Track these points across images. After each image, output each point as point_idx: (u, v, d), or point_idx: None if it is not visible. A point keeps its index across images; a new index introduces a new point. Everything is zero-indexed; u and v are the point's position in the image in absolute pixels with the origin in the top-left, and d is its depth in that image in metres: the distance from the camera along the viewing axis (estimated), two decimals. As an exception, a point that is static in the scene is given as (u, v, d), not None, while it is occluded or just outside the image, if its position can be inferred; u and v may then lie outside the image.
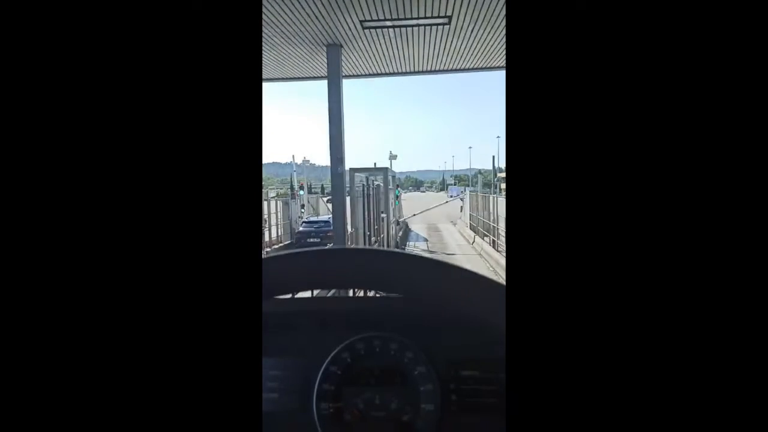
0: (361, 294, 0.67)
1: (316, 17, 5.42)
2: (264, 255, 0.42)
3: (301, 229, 15.34)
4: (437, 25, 5.80)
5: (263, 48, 6.15)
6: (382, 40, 6.46)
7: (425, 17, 5.51)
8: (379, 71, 8.25)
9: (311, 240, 14.23)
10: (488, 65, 8.04)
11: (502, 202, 12.12)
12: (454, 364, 0.60)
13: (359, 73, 8.32)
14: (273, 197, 16.90)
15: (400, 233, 16.28)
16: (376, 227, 10.22)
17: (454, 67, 8.18)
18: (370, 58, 7.37)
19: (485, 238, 14.27)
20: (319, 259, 0.50)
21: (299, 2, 4.97)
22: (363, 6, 5.18)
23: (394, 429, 0.58)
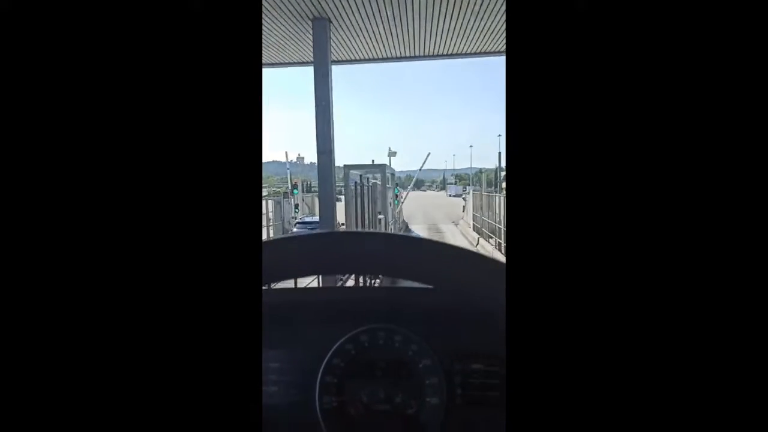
0: (368, 282, 0.52)
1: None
2: None
3: (294, 230, 14.48)
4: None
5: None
6: (375, 16, 5.56)
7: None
8: (372, 55, 7.33)
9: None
10: (490, 49, 7.19)
11: (508, 202, 11.22)
12: (460, 358, 0.59)
13: (351, 58, 7.42)
14: (264, 196, 15.96)
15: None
16: (372, 230, 9.25)
17: (456, 51, 7.30)
18: (363, 37, 6.45)
19: (489, 240, 13.52)
20: (324, 242, 0.49)
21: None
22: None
23: (398, 423, 0.57)
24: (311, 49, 5.96)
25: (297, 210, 16.17)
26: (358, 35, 6.35)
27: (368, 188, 8.62)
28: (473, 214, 16.93)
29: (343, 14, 5.53)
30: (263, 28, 5.77)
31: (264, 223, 13.92)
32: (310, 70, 6.05)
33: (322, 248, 0.47)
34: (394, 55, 7.36)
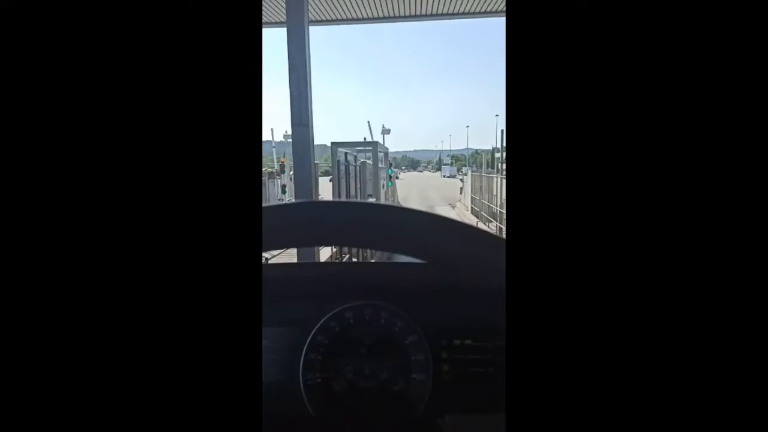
0: (355, 259, 0.64)
1: None
2: None
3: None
4: None
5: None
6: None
7: None
8: (356, 14, 6.32)
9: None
10: (489, 9, 6.21)
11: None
12: (447, 333, 0.58)
13: (331, 18, 6.41)
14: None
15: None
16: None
17: (450, 11, 6.31)
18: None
19: (489, 224, 12.66)
20: (313, 211, 0.49)
21: None
22: None
23: (384, 399, 0.57)
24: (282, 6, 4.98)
25: (285, 191, 15.21)
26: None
27: (357, 168, 7.64)
28: (471, 197, 16.03)
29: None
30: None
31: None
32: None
33: (303, 218, 0.47)
34: (381, 14, 6.36)
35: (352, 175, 7.20)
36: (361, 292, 0.60)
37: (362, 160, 8.15)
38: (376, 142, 9.63)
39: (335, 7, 6.03)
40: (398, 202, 18.66)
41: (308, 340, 0.58)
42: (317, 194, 6.10)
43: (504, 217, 10.73)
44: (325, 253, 6.56)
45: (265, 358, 0.57)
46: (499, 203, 11.81)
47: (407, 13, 6.39)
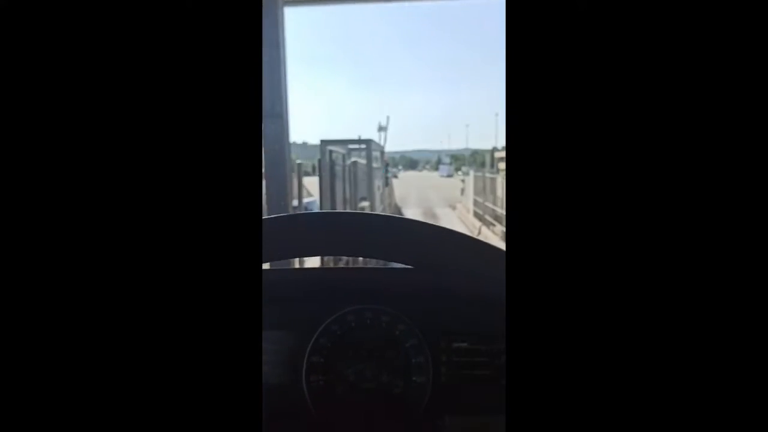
0: (361, 264, 0.67)
1: None
2: None
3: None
4: None
5: None
6: None
7: None
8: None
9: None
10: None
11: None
12: (447, 336, 0.59)
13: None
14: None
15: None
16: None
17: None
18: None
19: (492, 228, 11.80)
20: (314, 223, 0.50)
21: None
22: None
23: (385, 401, 0.58)
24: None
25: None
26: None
27: (347, 168, 6.65)
28: (474, 198, 15.09)
29: None
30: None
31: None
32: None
33: (293, 231, 0.47)
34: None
35: (340, 176, 6.20)
36: (360, 296, 0.60)
37: (354, 159, 7.17)
38: (370, 140, 8.63)
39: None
40: (395, 204, 17.80)
41: (311, 343, 0.58)
42: (301, 198, 5.31)
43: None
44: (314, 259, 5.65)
45: (266, 361, 0.57)
46: (501, 205, 10.96)
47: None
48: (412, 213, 18.08)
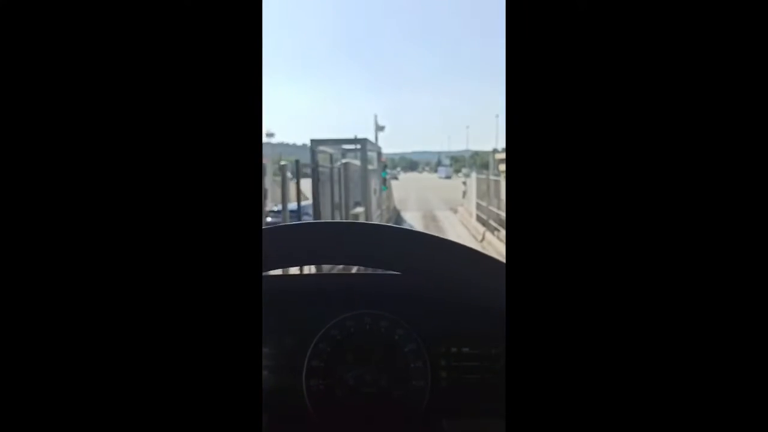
0: (354, 270, 0.68)
1: None
2: None
3: (268, 219, 11.94)
4: None
5: None
6: None
7: None
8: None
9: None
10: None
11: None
12: (446, 341, 0.60)
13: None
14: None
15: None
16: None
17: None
18: None
19: (497, 233, 11.09)
20: (313, 232, 0.50)
21: None
22: None
23: (384, 405, 0.58)
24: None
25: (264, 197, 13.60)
26: None
27: (338, 171, 5.94)
28: (477, 202, 14.40)
29: None
30: None
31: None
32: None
33: (281, 242, 0.47)
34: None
35: (329, 179, 5.49)
36: (359, 301, 0.61)
37: (346, 160, 6.45)
38: (366, 140, 7.92)
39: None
40: (394, 207, 17.11)
41: (311, 347, 0.59)
42: (285, 203, 4.68)
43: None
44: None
45: (266, 365, 0.58)
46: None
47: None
48: (412, 216, 17.41)
